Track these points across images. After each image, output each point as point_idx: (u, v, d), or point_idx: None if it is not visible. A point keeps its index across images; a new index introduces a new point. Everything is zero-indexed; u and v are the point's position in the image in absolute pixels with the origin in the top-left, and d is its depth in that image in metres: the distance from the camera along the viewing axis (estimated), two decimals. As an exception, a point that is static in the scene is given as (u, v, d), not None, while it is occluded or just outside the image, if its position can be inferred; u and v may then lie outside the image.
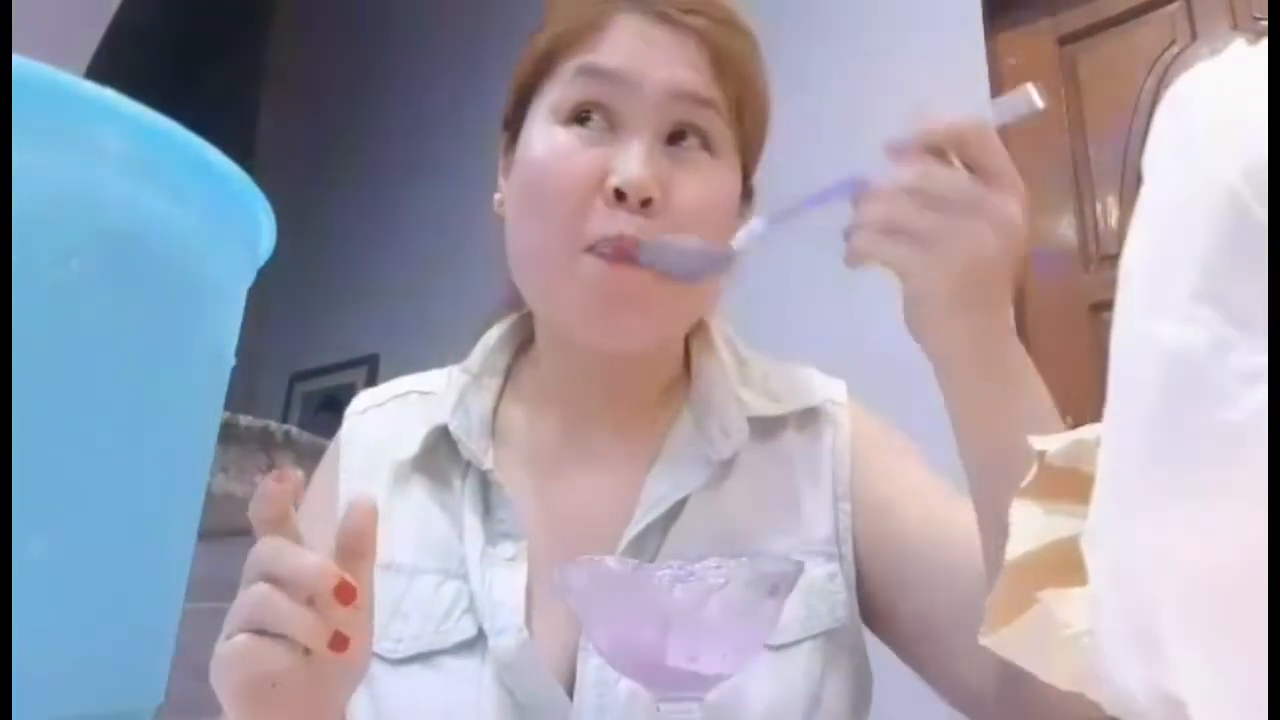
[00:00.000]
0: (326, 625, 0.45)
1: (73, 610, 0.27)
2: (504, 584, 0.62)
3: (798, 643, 0.61)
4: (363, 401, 0.75)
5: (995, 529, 0.41)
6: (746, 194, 0.70)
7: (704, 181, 0.62)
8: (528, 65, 0.67)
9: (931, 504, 0.65)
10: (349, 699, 0.52)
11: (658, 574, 0.48)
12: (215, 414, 0.35)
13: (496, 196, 0.69)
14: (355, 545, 0.46)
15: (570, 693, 0.60)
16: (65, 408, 0.27)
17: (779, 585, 0.49)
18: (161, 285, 0.30)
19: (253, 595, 0.45)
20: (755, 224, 0.58)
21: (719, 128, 0.64)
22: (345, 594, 0.45)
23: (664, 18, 0.63)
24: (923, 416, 0.55)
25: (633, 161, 0.60)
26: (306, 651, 0.45)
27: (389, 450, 0.69)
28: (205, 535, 0.48)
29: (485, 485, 0.66)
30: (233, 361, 0.36)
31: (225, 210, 0.33)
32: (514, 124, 0.68)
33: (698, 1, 0.64)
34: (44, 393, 0.26)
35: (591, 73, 0.62)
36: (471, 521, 0.65)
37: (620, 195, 0.59)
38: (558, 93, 0.63)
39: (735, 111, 0.64)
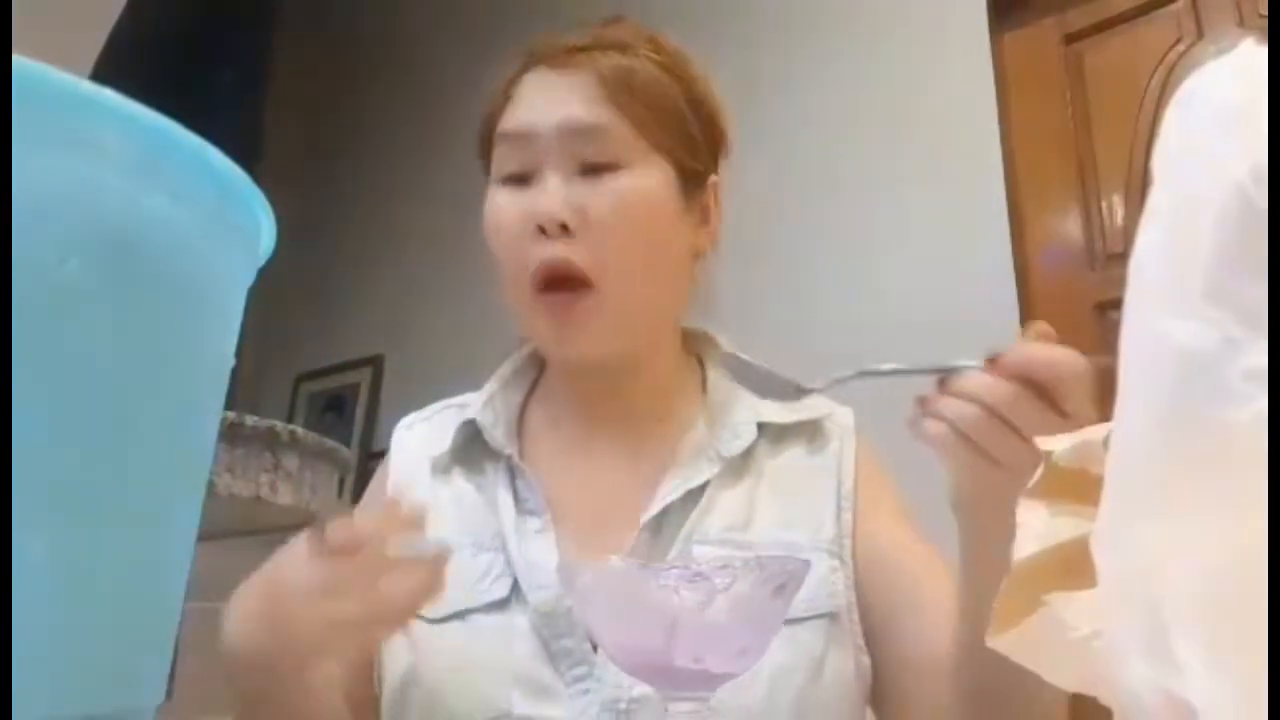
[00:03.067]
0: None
1: (73, 610, 0.27)
2: (538, 550, 0.71)
3: (801, 620, 0.68)
4: (410, 419, 0.86)
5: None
6: (696, 183, 0.77)
7: (616, 195, 0.71)
8: (479, 139, 0.78)
9: (918, 570, 0.72)
10: None
11: (664, 574, 0.47)
12: (215, 414, 0.35)
13: None
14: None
15: (595, 646, 0.66)
16: (64, 408, 0.27)
17: (786, 584, 0.49)
18: (161, 285, 0.30)
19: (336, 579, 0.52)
20: (844, 373, 0.59)
21: (621, 144, 0.72)
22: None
23: (559, 63, 0.73)
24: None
25: (544, 197, 0.70)
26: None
27: (430, 453, 0.80)
28: (209, 535, 0.48)
29: (512, 471, 0.76)
30: (233, 361, 0.36)
31: (225, 210, 0.33)
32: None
33: (589, 38, 0.74)
34: (43, 393, 0.26)
35: (504, 139, 0.74)
36: (505, 499, 0.74)
37: (542, 229, 0.70)
38: (492, 162, 0.75)
39: (640, 123, 0.72)
